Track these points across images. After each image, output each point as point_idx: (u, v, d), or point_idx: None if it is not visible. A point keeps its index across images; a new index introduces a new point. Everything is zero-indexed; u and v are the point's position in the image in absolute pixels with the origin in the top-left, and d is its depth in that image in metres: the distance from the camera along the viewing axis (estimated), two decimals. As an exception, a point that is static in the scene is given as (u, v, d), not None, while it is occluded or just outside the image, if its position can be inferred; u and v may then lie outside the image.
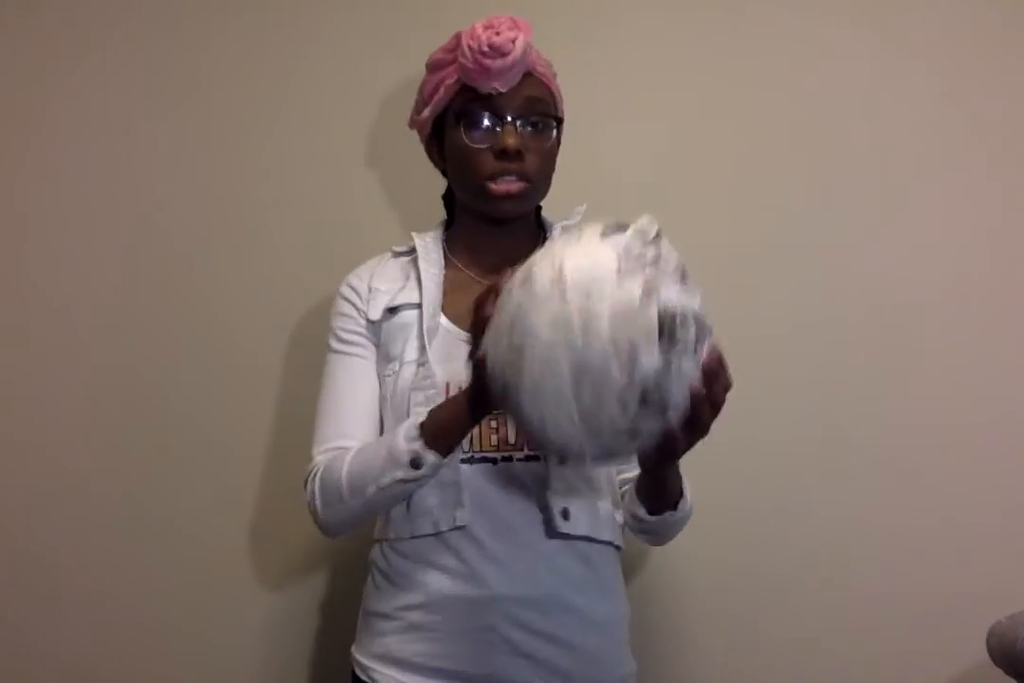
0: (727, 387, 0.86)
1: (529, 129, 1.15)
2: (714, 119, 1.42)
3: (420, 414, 1.05)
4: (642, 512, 1.09)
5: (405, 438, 1.04)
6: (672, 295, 0.83)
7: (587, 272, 0.84)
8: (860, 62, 1.41)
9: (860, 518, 1.36)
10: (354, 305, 1.21)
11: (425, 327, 1.15)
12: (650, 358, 0.81)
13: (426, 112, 1.20)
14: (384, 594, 1.14)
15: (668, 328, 0.82)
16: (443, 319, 1.17)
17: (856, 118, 1.40)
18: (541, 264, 0.87)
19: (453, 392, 1.10)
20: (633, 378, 0.81)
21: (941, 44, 1.40)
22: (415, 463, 1.03)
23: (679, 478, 1.08)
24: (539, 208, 1.25)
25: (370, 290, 1.21)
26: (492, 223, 1.19)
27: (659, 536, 1.16)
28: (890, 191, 1.39)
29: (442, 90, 1.17)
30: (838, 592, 1.35)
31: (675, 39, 1.44)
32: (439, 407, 1.05)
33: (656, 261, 0.86)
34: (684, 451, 0.89)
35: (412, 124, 1.25)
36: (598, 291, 0.83)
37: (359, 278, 1.23)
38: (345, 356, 1.20)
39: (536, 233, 1.24)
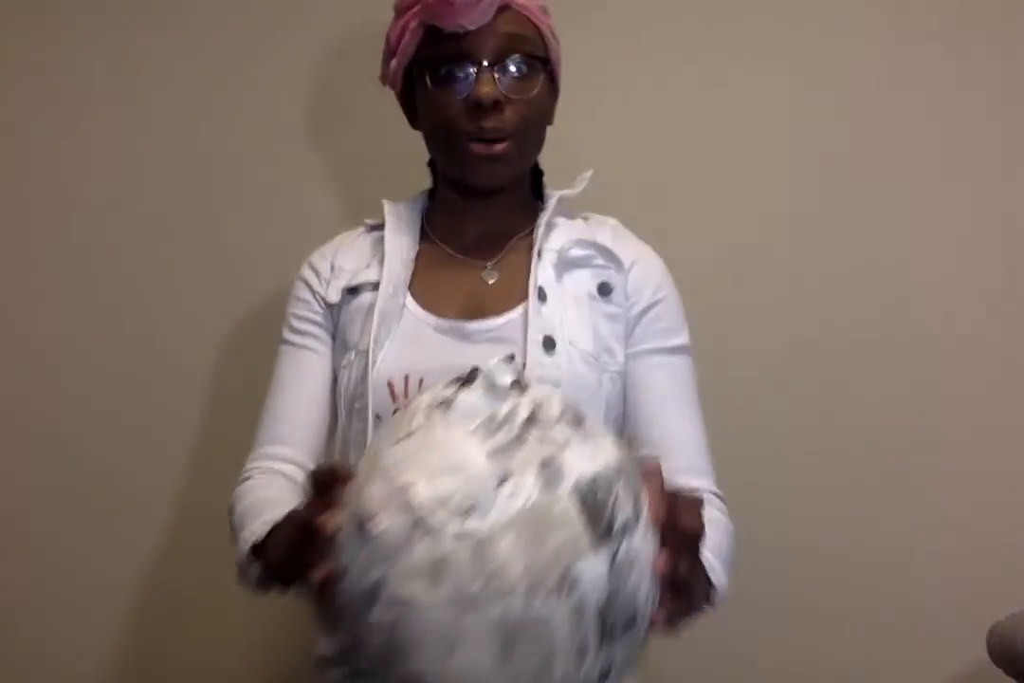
0: (698, 531, 0.66)
1: (510, 75, 0.98)
2: (714, 118, 1.42)
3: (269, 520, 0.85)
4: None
5: (243, 541, 0.89)
6: (577, 460, 0.61)
7: (446, 480, 0.59)
8: (861, 61, 1.41)
9: (859, 518, 1.35)
10: (311, 288, 1.07)
11: (378, 309, 0.99)
12: (589, 566, 0.58)
13: (394, 63, 1.03)
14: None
15: (592, 511, 0.59)
16: (409, 300, 1.02)
17: (856, 116, 1.40)
18: (370, 492, 0.61)
19: (412, 387, 0.96)
20: (581, 609, 0.58)
21: (942, 43, 1.40)
22: (242, 569, 0.89)
23: (701, 576, 0.79)
24: (539, 173, 1.11)
25: (332, 268, 1.06)
26: (475, 193, 1.04)
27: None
28: (890, 191, 1.39)
29: (407, 35, 0.99)
30: (837, 592, 1.35)
31: (676, 38, 1.43)
32: (277, 531, 0.82)
33: (533, 419, 0.62)
34: (686, 613, 0.69)
35: (383, 79, 1.09)
36: (475, 504, 0.58)
37: (322, 256, 1.09)
38: (294, 349, 1.06)
39: (532, 203, 1.09)
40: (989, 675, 1.13)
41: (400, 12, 1.02)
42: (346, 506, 0.63)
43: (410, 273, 1.04)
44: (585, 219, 1.10)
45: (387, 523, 0.59)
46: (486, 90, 0.95)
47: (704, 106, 1.42)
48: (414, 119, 1.08)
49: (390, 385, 0.97)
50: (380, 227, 1.08)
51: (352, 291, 1.04)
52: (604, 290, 1.03)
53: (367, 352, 0.98)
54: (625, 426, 1.04)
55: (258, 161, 1.45)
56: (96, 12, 1.47)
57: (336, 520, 0.63)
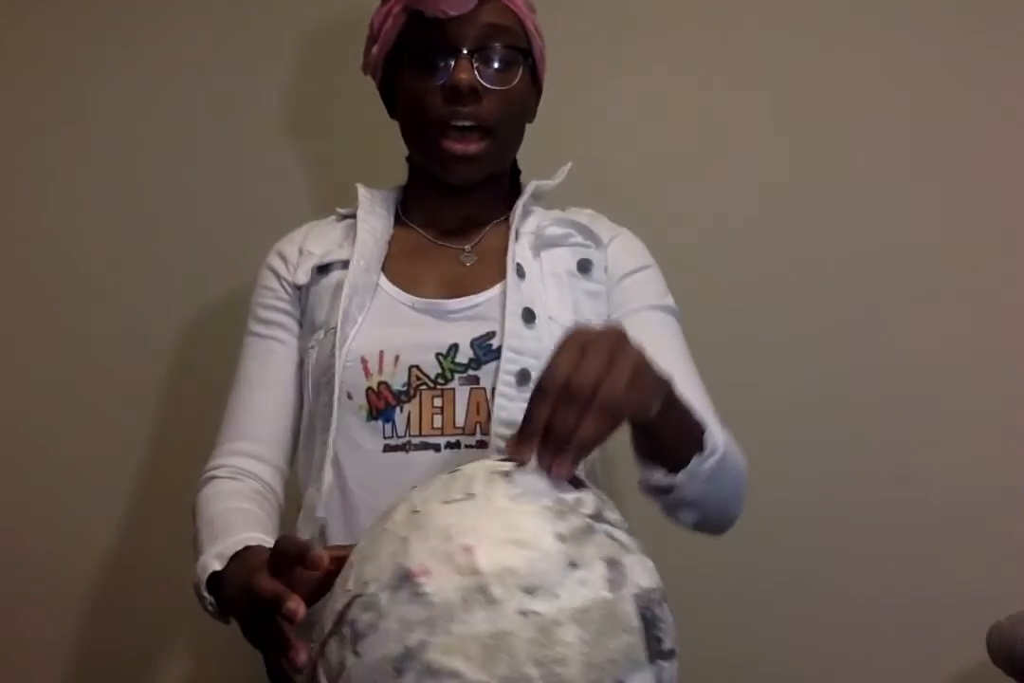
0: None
1: (489, 64, 0.97)
2: (715, 118, 1.42)
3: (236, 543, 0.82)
4: (659, 476, 0.81)
5: (201, 568, 0.84)
6: (637, 570, 0.58)
7: (513, 551, 0.55)
8: (863, 60, 1.41)
9: (859, 518, 1.35)
10: (277, 274, 1.04)
11: (348, 283, 0.96)
12: (640, 681, 0.56)
13: (375, 50, 1.02)
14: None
15: (648, 624, 0.57)
16: (383, 280, 1.00)
17: (858, 116, 1.40)
18: (421, 547, 0.56)
19: (388, 362, 0.94)
20: None
21: (943, 41, 1.40)
22: (198, 592, 0.84)
23: (686, 412, 0.80)
24: (517, 171, 1.11)
25: (301, 253, 1.03)
26: (452, 187, 1.03)
27: (708, 506, 0.86)
28: (891, 191, 1.39)
29: (390, 21, 0.99)
30: (836, 592, 1.35)
31: (676, 36, 1.43)
32: (240, 559, 0.79)
33: (599, 515, 0.60)
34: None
35: (365, 68, 1.07)
36: (543, 584, 0.54)
37: (290, 242, 1.06)
38: (259, 340, 1.03)
39: (509, 194, 1.07)
40: (989, 675, 1.13)
41: None
42: (354, 565, 0.59)
43: (384, 254, 1.02)
44: (562, 209, 1.09)
45: (441, 582, 0.54)
46: (463, 76, 0.94)
47: (704, 105, 1.42)
48: (393, 109, 1.07)
49: (363, 360, 0.94)
50: (352, 216, 1.06)
51: (322, 270, 1.01)
52: (584, 267, 1.02)
53: (336, 328, 0.95)
54: None
55: (233, 153, 1.45)
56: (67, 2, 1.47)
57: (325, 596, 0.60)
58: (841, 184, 1.39)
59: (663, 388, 0.73)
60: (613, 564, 0.57)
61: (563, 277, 1.02)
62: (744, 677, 1.37)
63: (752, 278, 1.38)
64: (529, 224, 1.04)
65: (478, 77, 0.95)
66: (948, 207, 1.38)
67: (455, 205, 1.05)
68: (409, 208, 1.08)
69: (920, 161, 1.38)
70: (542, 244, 1.03)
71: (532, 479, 0.60)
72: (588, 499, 0.61)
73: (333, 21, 1.43)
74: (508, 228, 1.04)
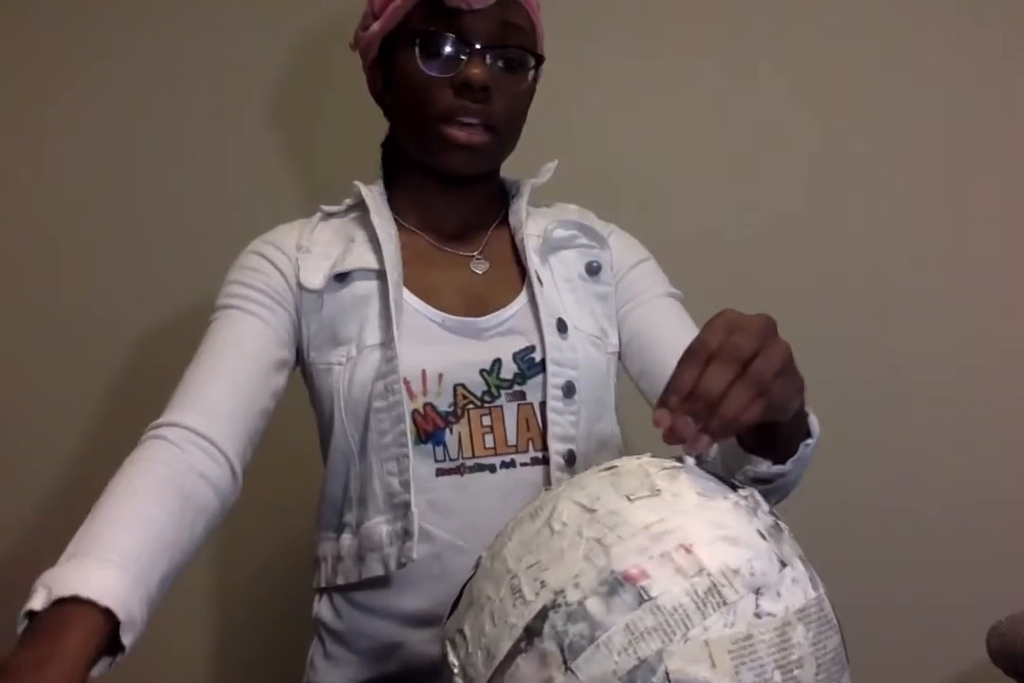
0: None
1: (501, 64, 0.93)
2: (714, 117, 1.42)
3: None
4: (765, 467, 0.79)
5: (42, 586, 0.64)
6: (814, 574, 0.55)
7: (729, 549, 0.52)
8: (857, 58, 1.41)
9: (859, 518, 1.35)
10: (273, 262, 0.94)
11: (393, 300, 0.89)
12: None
13: (375, 27, 0.95)
14: (339, 664, 0.90)
15: (840, 625, 0.56)
16: (406, 293, 0.94)
17: (858, 114, 1.40)
18: (626, 548, 0.51)
19: (431, 382, 0.89)
20: None
21: (944, 40, 1.40)
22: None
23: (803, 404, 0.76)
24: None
25: (299, 248, 0.95)
26: (446, 181, 0.98)
27: (792, 483, 0.85)
28: (892, 190, 1.39)
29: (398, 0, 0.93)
30: (837, 592, 1.35)
31: (677, 35, 1.43)
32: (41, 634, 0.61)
33: (772, 510, 0.58)
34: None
35: (355, 43, 1.00)
36: (766, 583, 0.52)
37: (280, 236, 0.97)
38: (235, 312, 0.90)
39: (498, 194, 1.05)
40: (989, 675, 1.13)
41: None
42: (512, 573, 0.52)
43: (401, 262, 0.95)
44: (548, 206, 1.08)
45: (666, 584, 0.50)
46: (476, 72, 0.90)
47: (704, 104, 1.42)
48: (381, 90, 1.00)
49: (406, 382, 0.88)
50: (340, 214, 0.99)
51: (340, 277, 0.93)
52: (592, 269, 1.02)
53: (384, 346, 0.88)
54: (648, 386, 0.98)
55: (220, 150, 1.44)
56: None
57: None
58: (837, 180, 1.39)
59: (802, 387, 0.69)
60: (806, 562, 0.56)
61: (575, 282, 1.01)
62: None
63: (743, 275, 1.39)
64: (531, 228, 1.01)
65: (490, 75, 0.92)
66: (949, 207, 1.38)
67: (450, 205, 1.00)
68: (398, 206, 1.01)
69: (926, 154, 1.38)
70: (549, 248, 1.01)
71: (700, 475, 0.57)
72: (758, 496, 0.58)
73: (321, 22, 1.43)
74: (509, 231, 1.03)
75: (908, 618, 1.34)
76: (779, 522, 0.58)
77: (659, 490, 0.54)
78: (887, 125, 1.39)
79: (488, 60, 0.92)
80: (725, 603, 0.50)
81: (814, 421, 0.81)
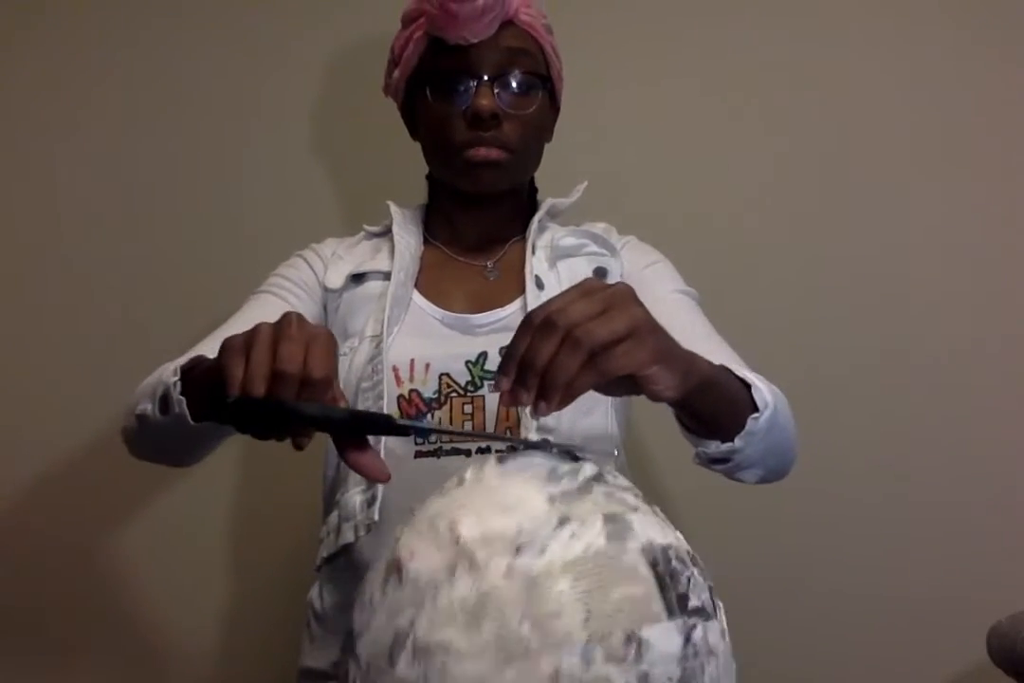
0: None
1: (509, 90, 0.98)
2: (715, 116, 1.42)
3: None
4: (715, 445, 0.78)
5: (171, 372, 0.79)
6: (647, 527, 0.56)
7: (498, 518, 0.53)
8: (860, 60, 1.41)
9: (859, 518, 1.35)
10: (309, 263, 1.06)
11: (391, 295, 0.98)
12: (660, 635, 0.52)
13: (396, 73, 1.04)
14: (321, 645, 0.94)
15: (664, 576, 0.53)
16: (415, 294, 1.02)
17: (857, 113, 1.40)
18: (407, 537, 0.56)
19: (419, 371, 0.95)
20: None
21: (944, 40, 1.40)
22: (165, 401, 0.78)
23: (731, 381, 0.78)
24: (534, 189, 1.13)
25: (333, 255, 1.06)
26: (472, 200, 1.05)
27: (768, 460, 0.83)
28: (891, 190, 1.39)
29: (411, 46, 1.00)
30: (837, 592, 1.35)
31: (678, 34, 1.43)
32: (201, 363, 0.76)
33: (600, 478, 0.58)
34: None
35: (386, 90, 1.09)
36: (529, 541, 0.52)
37: (324, 245, 1.09)
38: (269, 294, 1.01)
39: (526, 211, 1.10)
40: (989, 675, 1.13)
41: (406, 23, 1.02)
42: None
43: (416, 269, 1.04)
44: (577, 225, 1.12)
45: (424, 561, 0.53)
46: (484, 102, 0.96)
47: (705, 103, 1.42)
48: (414, 131, 1.08)
49: (395, 369, 0.95)
50: (380, 234, 1.09)
51: (357, 278, 1.03)
52: (600, 274, 1.04)
53: (377, 336, 0.95)
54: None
55: (257, 167, 1.45)
56: (97, 10, 1.47)
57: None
58: (868, 194, 1.39)
59: (679, 356, 0.68)
60: (612, 520, 0.54)
61: None
62: (744, 676, 1.36)
63: (768, 288, 1.38)
64: (544, 238, 1.06)
65: (498, 103, 0.97)
66: (947, 208, 1.38)
67: (475, 220, 1.07)
68: (431, 226, 1.10)
69: (928, 162, 1.38)
70: (558, 255, 1.05)
71: (528, 457, 0.60)
72: (587, 466, 0.59)
73: (358, 38, 1.43)
74: (526, 244, 1.06)
75: (908, 618, 1.34)
76: (598, 486, 0.57)
77: (464, 479, 0.59)
78: (891, 125, 1.39)
79: (496, 89, 0.97)
80: (474, 568, 0.51)
81: (763, 393, 0.80)
